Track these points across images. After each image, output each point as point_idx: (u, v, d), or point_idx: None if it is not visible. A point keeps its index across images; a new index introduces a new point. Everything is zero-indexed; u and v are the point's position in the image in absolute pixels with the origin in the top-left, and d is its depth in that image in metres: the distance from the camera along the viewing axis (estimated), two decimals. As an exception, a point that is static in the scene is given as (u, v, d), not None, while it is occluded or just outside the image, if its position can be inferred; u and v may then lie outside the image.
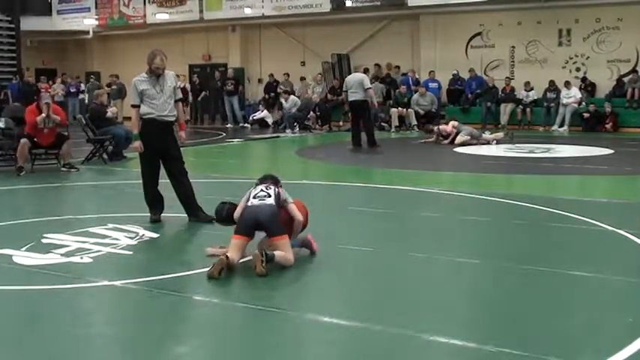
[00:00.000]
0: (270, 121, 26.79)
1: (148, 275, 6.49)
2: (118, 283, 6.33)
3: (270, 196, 6.91)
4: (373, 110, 19.40)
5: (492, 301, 5.80)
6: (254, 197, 6.93)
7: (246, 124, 27.03)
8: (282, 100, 25.65)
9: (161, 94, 8.68)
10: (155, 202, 8.96)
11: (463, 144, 18.59)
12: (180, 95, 8.98)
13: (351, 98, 18.06)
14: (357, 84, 17.88)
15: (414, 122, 24.00)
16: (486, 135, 19.51)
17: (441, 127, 19.74)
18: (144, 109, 8.71)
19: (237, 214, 7.02)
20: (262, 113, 27.03)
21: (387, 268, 6.78)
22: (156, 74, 8.67)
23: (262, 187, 7.03)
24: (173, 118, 8.89)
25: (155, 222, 8.78)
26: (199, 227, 8.60)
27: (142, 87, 8.67)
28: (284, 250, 6.64)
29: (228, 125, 27.10)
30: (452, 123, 19.87)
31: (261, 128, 26.17)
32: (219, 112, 28.78)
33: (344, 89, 18.72)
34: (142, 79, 8.74)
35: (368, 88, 17.97)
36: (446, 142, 19.09)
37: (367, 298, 5.93)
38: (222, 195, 9.28)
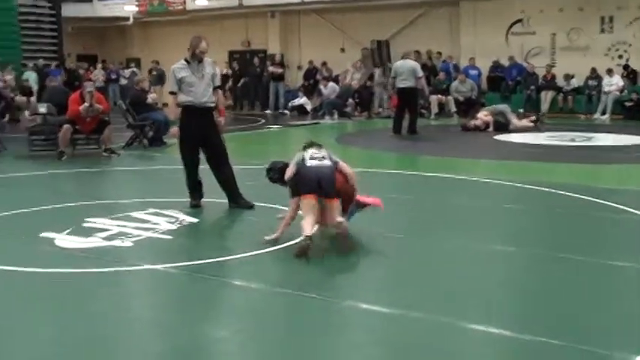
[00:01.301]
0: (309, 107, 26.73)
1: (188, 260, 6.56)
2: (158, 267, 6.39)
3: (325, 157, 7.04)
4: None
5: (530, 289, 5.78)
6: (311, 158, 7.00)
7: (285, 111, 27.01)
8: (321, 87, 25.61)
9: (201, 80, 8.67)
10: (195, 188, 8.98)
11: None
12: (218, 82, 8.98)
13: (400, 85, 17.93)
14: (409, 71, 17.79)
15: (454, 109, 23.85)
16: (515, 121, 19.30)
17: (477, 122, 19.43)
18: (183, 96, 8.72)
19: (289, 174, 7.09)
20: (301, 100, 27.00)
21: (426, 256, 6.78)
22: (198, 59, 8.67)
23: (314, 149, 7.12)
24: (212, 105, 8.90)
25: (195, 207, 8.82)
26: (239, 213, 8.64)
27: (180, 74, 8.68)
28: (335, 213, 6.81)
29: (268, 111, 27.09)
30: (482, 114, 19.75)
31: (300, 115, 26.09)
32: (258, 98, 28.78)
33: (392, 76, 18.59)
34: (181, 66, 8.75)
35: (420, 77, 17.95)
36: (489, 129, 18.97)
37: (406, 285, 5.93)
38: (263, 181, 9.37)
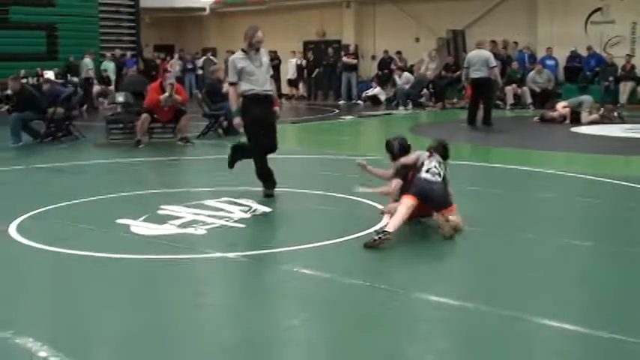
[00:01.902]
0: (382, 97, 26.59)
1: (260, 248, 6.65)
2: (230, 255, 6.45)
3: (440, 175, 7.18)
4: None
5: (606, 285, 5.67)
6: (427, 171, 7.16)
7: (358, 101, 26.98)
8: (396, 77, 25.44)
9: (260, 68, 8.80)
10: (268, 176, 9.05)
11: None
12: (272, 71, 9.12)
13: (474, 76, 17.73)
14: (482, 61, 17.58)
15: (529, 101, 23.43)
16: (584, 115, 18.88)
17: (554, 114, 19.16)
18: (245, 86, 8.81)
19: (407, 161, 7.47)
20: (375, 90, 26.88)
21: (499, 249, 6.73)
22: (255, 48, 8.80)
23: (436, 162, 7.25)
24: (272, 92, 9.05)
25: (269, 196, 8.90)
26: (312, 203, 8.69)
27: (240, 65, 8.80)
28: (454, 217, 7.05)
29: (341, 102, 27.08)
30: (560, 105, 19.41)
31: (373, 105, 26.00)
32: (332, 88, 28.82)
33: (465, 66, 18.45)
34: (240, 56, 8.87)
35: (493, 67, 17.73)
36: (566, 121, 18.69)
37: (478, 278, 5.90)
38: (335, 171, 9.83)
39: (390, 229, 6.59)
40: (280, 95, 29.16)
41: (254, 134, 8.98)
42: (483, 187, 9.66)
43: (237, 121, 9.02)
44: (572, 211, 8.46)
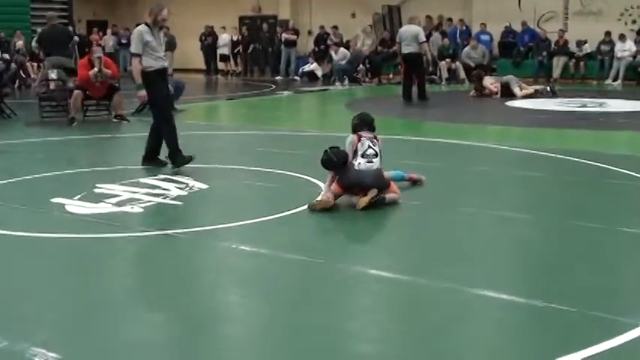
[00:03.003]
0: (319, 73, 26.57)
1: (198, 225, 6.58)
2: (168, 232, 6.40)
3: (376, 155, 7.11)
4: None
5: (541, 256, 5.76)
6: (362, 156, 7.08)
7: (295, 77, 26.88)
8: (332, 53, 25.36)
9: (161, 46, 9.08)
10: (178, 149, 9.12)
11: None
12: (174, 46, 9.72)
13: (404, 51, 17.76)
14: (412, 37, 17.60)
15: (463, 75, 23.66)
16: (517, 91, 19.02)
17: (485, 90, 19.32)
18: (149, 61, 8.92)
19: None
20: (312, 66, 26.83)
21: (436, 223, 6.79)
22: (160, 26, 9.06)
23: (369, 142, 7.14)
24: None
25: (190, 160, 8.99)
26: (249, 179, 8.66)
27: (147, 38, 8.89)
28: (393, 191, 7.12)
29: (278, 77, 26.95)
30: (489, 81, 19.61)
31: (310, 81, 25.98)
32: (268, 64, 28.67)
33: (397, 41, 18.51)
34: (146, 30, 8.96)
35: (422, 42, 17.80)
36: (497, 96, 18.87)
37: (414, 251, 5.96)
38: (272, 147, 9.66)
39: (330, 196, 6.85)
40: (216, 71, 29.00)
41: (164, 108, 9.16)
42: (419, 162, 9.66)
43: (142, 93, 9.06)
44: (509, 185, 8.55)
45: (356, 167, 7.04)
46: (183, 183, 8.30)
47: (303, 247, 5.97)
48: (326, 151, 7.22)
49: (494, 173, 9.11)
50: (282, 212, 6.90)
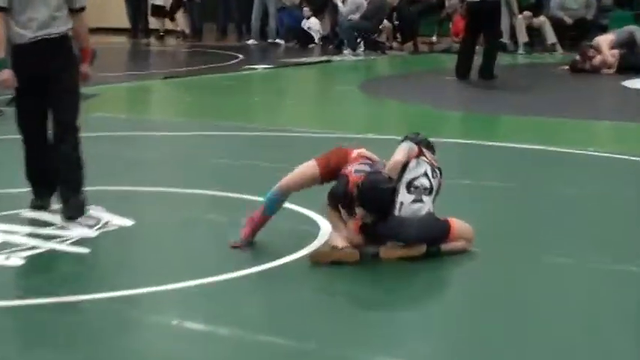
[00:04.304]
0: (316, 35, 21.50)
1: (113, 288, 4.90)
2: (64, 299, 4.77)
3: (430, 192, 5.49)
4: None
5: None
6: (408, 187, 5.43)
7: (277, 40, 21.65)
8: (338, 2, 20.02)
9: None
10: (39, 177, 6.86)
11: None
12: (81, 2, 6.64)
13: None
14: None
15: (553, 40, 18.56)
16: None
17: (595, 61, 15.17)
18: (12, 27, 6.73)
19: (396, 164, 5.76)
20: (305, 22, 21.72)
21: (505, 284, 5.16)
22: None
23: (428, 166, 5.52)
24: (58, 35, 6.71)
25: (39, 208, 6.81)
26: (199, 209, 6.98)
27: None
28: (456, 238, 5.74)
29: (251, 41, 21.48)
30: (605, 43, 15.17)
31: (302, 47, 21.11)
32: (231, 19, 22.91)
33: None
34: None
35: None
36: (610, 70, 14.86)
37: (464, 338, 4.30)
38: (236, 157, 8.41)
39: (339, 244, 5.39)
40: (147, 32, 23.27)
41: (20, 102, 6.93)
42: (477, 180, 8.03)
43: (6, 75, 6.53)
44: (628, 219, 6.91)
45: (395, 211, 5.46)
46: (92, 218, 6.52)
47: (285, 325, 4.63)
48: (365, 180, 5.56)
49: (603, 199, 7.43)
50: (252, 266, 5.45)
